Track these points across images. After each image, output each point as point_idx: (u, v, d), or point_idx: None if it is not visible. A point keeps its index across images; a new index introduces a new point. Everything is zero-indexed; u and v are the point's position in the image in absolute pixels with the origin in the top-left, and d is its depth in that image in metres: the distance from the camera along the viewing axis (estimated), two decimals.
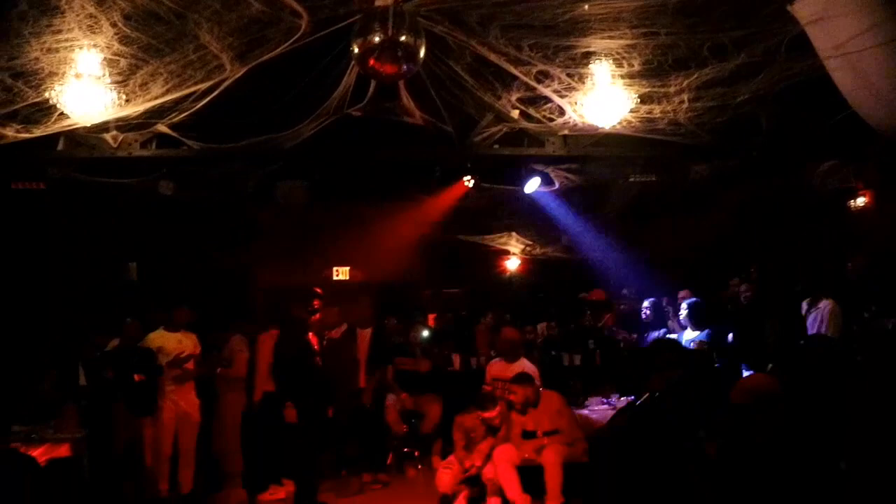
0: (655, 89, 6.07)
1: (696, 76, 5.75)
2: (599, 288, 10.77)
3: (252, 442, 7.68)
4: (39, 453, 6.12)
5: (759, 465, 3.13)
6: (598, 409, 7.37)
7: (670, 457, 3.97)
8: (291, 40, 5.19)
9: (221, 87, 5.87)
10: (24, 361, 7.35)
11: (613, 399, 7.56)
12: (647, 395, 4.35)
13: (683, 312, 7.68)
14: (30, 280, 9.40)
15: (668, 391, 4.18)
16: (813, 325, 7.12)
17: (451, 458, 7.27)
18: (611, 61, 5.64)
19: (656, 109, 6.44)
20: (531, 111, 6.87)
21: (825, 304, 7.08)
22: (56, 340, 8.14)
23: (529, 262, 13.30)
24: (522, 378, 7.06)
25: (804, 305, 7.37)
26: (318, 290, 7.52)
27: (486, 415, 7.01)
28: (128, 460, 6.97)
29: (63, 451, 6.41)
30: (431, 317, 10.53)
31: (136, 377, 7.16)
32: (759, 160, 8.14)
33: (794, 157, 8.17)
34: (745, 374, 6.31)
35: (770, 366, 6.60)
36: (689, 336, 7.48)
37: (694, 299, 7.84)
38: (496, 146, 7.76)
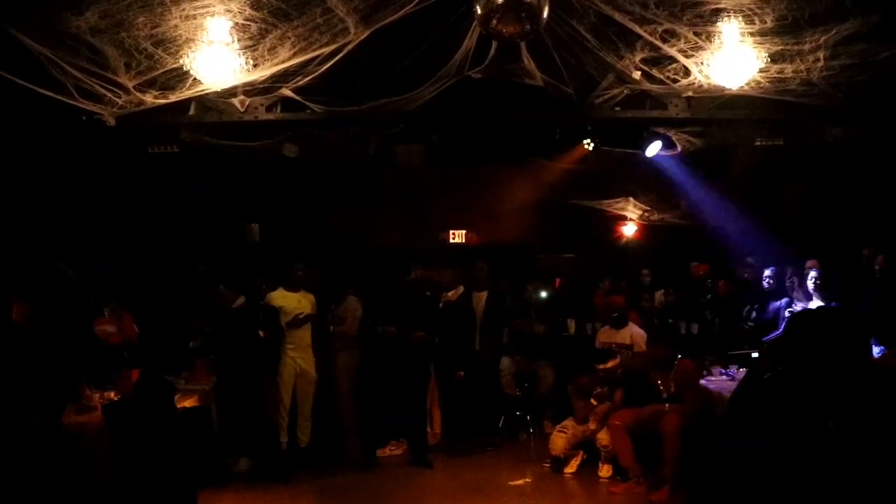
0: (788, 47, 5.80)
1: (835, 31, 5.46)
2: (709, 260, 10.45)
3: (367, 399, 7.89)
4: None
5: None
6: (717, 381, 7.21)
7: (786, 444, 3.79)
8: (415, 2, 5.23)
9: (345, 51, 5.97)
10: (159, 316, 7.75)
11: (732, 370, 7.37)
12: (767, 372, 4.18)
13: (812, 282, 7.38)
14: (162, 239, 9.93)
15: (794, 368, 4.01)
16: None
17: (565, 422, 7.28)
18: (741, 18, 5.44)
19: (788, 69, 6.15)
20: (654, 72, 6.67)
21: None
22: (189, 296, 8.55)
23: (647, 227, 13.02)
24: (663, 334, 7.02)
25: None
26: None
27: (606, 366, 6.99)
28: (251, 412, 7.28)
29: (193, 401, 6.79)
30: (557, 282, 10.47)
31: (261, 333, 7.44)
32: None
33: None
34: (876, 350, 6.02)
35: None
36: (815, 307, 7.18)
37: (822, 269, 7.52)
38: (617, 108, 7.61)
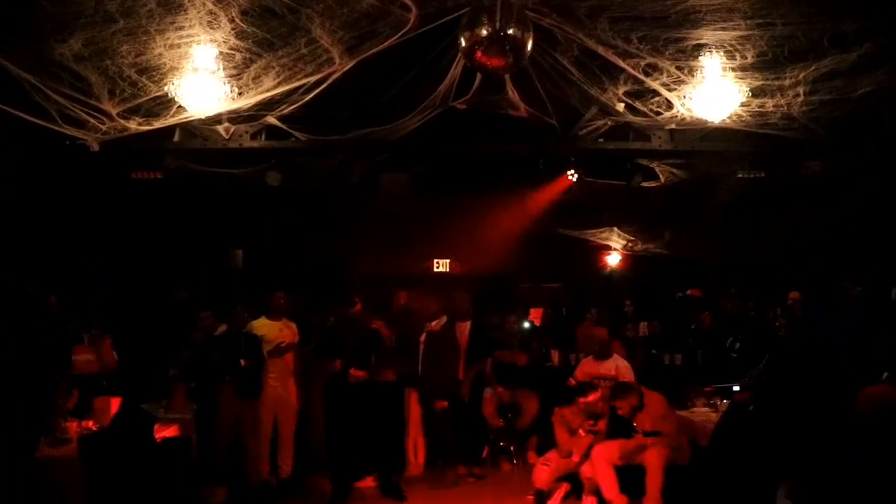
0: (769, 82, 5.88)
1: (813, 68, 5.55)
2: (699, 286, 10.55)
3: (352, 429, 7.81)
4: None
5: (884, 476, 2.99)
6: (701, 412, 7.19)
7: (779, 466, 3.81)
8: (400, 33, 5.26)
9: (330, 80, 5.99)
10: (140, 341, 7.68)
11: (716, 402, 7.36)
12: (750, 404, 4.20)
13: (793, 315, 7.42)
14: (146, 265, 9.87)
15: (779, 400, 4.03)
16: None
17: (549, 454, 7.23)
18: (723, 53, 5.51)
19: (769, 103, 6.23)
20: (637, 105, 6.74)
21: None
22: (168, 323, 8.48)
23: (631, 258, 13.09)
24: (622, 389, 6.96)
25: None
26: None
27: (587, 399, 6.95)
28: (232, 442, 7.19)
29: (173, 430, 6.70)
30: (536, 312, 10.46)
31: (242, 362, 7.38)
32: (877, 157, 7.75)
33: None
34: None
35: (886, 374, 6.28)
36: (797, 339, 7.22)
37: (805, 301, 7.56)
38: (600, 140, 7.67)
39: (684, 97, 6.24)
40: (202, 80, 5.62)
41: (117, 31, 4.93)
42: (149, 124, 6.38)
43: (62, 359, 6.24)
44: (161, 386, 7.26)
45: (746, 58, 5.50)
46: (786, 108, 6.27)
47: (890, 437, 3.11)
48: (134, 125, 6.34)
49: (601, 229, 12.20)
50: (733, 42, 5.34)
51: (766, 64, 5.59)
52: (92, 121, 6.23)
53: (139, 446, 5.20)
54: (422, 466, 8.21)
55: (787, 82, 5.82)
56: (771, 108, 6.33)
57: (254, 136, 7.52)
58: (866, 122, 6.86)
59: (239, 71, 5.69)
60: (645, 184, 9.12)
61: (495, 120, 7.06)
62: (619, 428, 6.80)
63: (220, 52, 5.41)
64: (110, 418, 5.64)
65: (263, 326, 7.55)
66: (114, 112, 6.08)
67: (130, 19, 4.83)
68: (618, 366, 7.67)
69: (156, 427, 6.43)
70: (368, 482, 7.71)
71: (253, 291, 8.89)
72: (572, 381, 7.55)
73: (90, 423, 5.62)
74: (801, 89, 5.90)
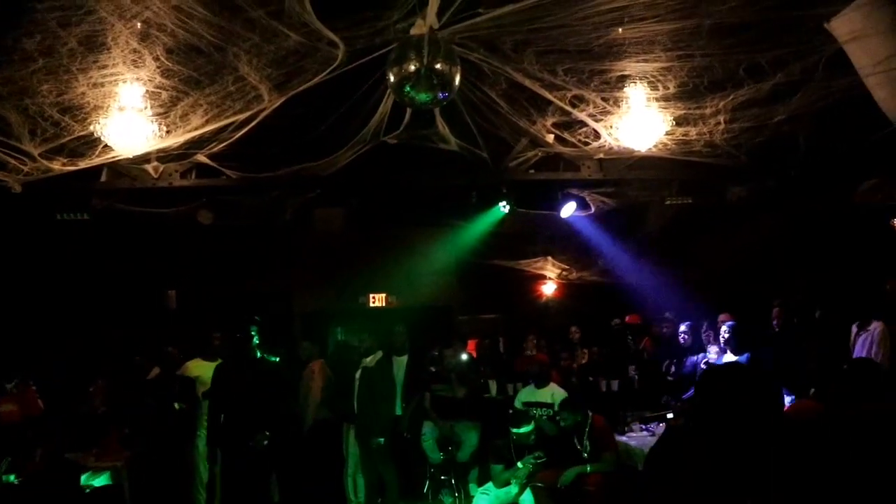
0: (691, 111, 6.05)
1: (732, 97, 5.73)
2: (636, 312, 10.72)
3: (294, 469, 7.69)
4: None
5: (807, 496, 3.05)
6: (637, 437, 7.29)
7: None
8: (328, 70, 5.26)
9: (260, 118, 5.96)
10: (69, 387, 7.45)
11: (653, 426, 7.47)
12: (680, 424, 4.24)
13: (724, 336, 7.58)
14: (73, 308, 9.59)
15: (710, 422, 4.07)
16: (863, 347, 6.99)
17: (488, 484, 7.22)
18: (646, 84, 5.64)
19: (692, 131, 6.41)
20: (566, 135, 6.87)
21: (875, 326, 6.98)
22: (99, 367, 8.25)
23: (566, 286, 13.23)
24: (567, 404, 7.03)
25: (854, 328, 7.25)
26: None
27: (519, 430, 6.97)
28: (168, 487, 7.00)
29: (104, 479, 6.48)
30: (472, 343, 10.47)
31: (175, 405, 7.21)
32: (797, 180, 8.03)
33: (834, 176, 8.04)
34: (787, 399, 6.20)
35: (812, 391, 6.46)
36: (729, 360, 7.38)
37: (734, 323, 7.73)
38: (531, 171, 7.76)
39: (611, 127, 6.39)
40: (129, 119, 5.50)
41: (37, 69, 4.80)
42: (74, 164, 6.23)
43: None
44: (90, 433, 7.05)
45: (668, 88, 5.65)
46: (708, 135, 6.45)
47: (819, 450, 3.18)
48: (58, 166, 6.18)
49: (536, 259, 12.31)
50: (655, 73, 5.48)
51: (687, 94, 5.74)
52: (13, 161, 6.06)
53: (63, 499, 4.97)
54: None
55: (707, 111, 6.00)
56: (694, 136, 6.51)
57: (184, 175, 7.41)
58: (785, 147, 7.10)
59: (166, 109, 5.61)
60: (578, 213, 9.24)
61: (427, 153, 7.09)
62: (562, 451, 6.83)
63: (147, 91, 5.32)
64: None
65: (198, 367, 7.41)
66: (35, 153, 5.92)
67: (51, 58, 4.70)
68: (553, 393, 7.73)
69: (86, 475, 6.23)
70: None
71: (188, 333, 8.73)
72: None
73: (11, 476, 5.39)
74: (721, 117, 6.09)
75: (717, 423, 3.46)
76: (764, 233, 9.92)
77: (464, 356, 8.78)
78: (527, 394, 7.90)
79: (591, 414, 6.92)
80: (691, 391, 8.01)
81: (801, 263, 9.90)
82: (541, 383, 7.84)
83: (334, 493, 8.08)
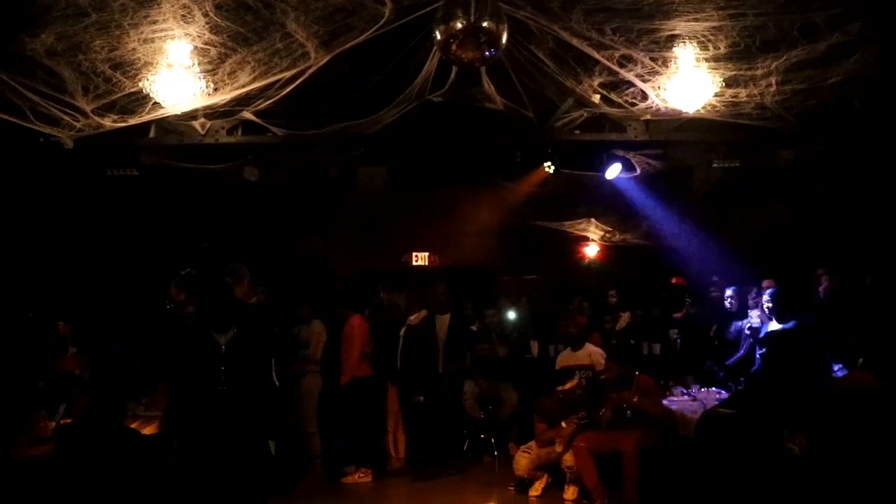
0: (742, 72, 5.92)
1: (784, 58, 5.59)
2: (681, 276, 10.62)
3: (333, 425, 7.82)
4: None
5: (858, 465, 3.03)
6: (679, 401, 7.27)
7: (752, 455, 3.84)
8: (375, 28, 5.26)
9: (306, 75, 5.97)
10: (120, 341, 7.63)
11: (694, 390, 7.43)
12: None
13: (767, 303, 7.48)
14: (123, 263, 9.78)
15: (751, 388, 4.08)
16: None
17: (530, 443, 7.28)
18: (696, 44, 5.54)
19: (742, 93, 6.27)
20: (613, 96, 6.76)
21: None
22: (148, 322, 8.42)
23: (609, 248, 13.13)
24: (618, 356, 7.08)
25: None
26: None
27: (565, 387, 7.02)
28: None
29: (152, 428, 6.65)
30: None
31: None
32: (850, 145, 7.83)
33: (888, 140, 7.83)
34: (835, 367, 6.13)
35: (861, 360, 6.37)
36: (774, 328, 7.29)
37: (775, 289, 7.60)
38: (577, 131, 7.67)
39: (659, 88, 6.28)
40: (177, 76, 5.57)
41: (90, 24, 4.88)
42: (124, 121, 6.31)
43: (43, 359, 6.20)
44: (142, 383, 7.23)
45: (719, 48, 5.54)
46: (759, 97, 6.30)
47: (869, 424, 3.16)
48: (109, 122, 6.27)
49: (579, 220, 12.22)
50: (706, 33, 5.37)
51: (738, 54, 5.62)
52: (66, 118, 6.17)
53: (109, 434, 5.10)
54: (403, 460, 8.25)
55: (759, 72, 5.86)
56: (744, 98, 6.37)
57: (230, 132, 7.45)
58: (839, 111, 6.92)
59: (214, 66, 5.65)
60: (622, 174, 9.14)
61: (472, 113, 7.06)
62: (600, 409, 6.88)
63: (195, 47, 5.37)
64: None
65: None
66: (88, 109, 6.02)
67: (103, 13, 4.78)
68: (591, 353, 7.71)
69: (137, 425, 6.40)
70: (363, 477, 7.77)
71: None
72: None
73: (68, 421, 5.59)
74: (773, 79, 5.94)
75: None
76: (813, 198, 9.73)
77: (505, 315, 8.81)
78: (566, 357, 7.91)
79: (637, 373, 6.92)
80: (736, 356, 7.99)
81: (851, 230, 9.69)
82: (577, 345, 7.81)
83: (375, 450, 8.19)
